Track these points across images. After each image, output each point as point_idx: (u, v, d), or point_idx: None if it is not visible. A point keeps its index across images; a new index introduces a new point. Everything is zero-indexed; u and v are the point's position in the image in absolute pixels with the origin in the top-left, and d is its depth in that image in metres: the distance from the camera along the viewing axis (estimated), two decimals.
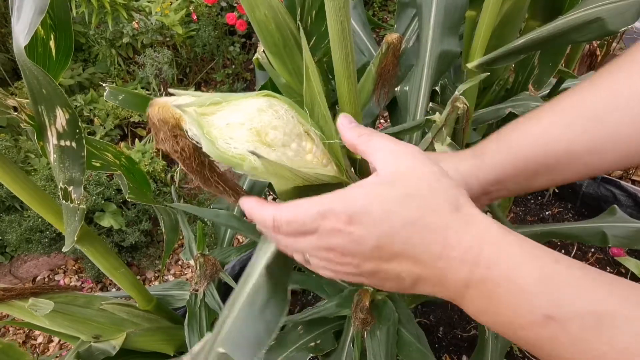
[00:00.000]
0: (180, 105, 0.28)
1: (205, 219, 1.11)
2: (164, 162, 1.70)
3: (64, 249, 0.47)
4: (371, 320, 0.48)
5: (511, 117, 0.73)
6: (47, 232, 1.37)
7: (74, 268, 1.65)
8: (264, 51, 0.62)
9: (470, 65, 0.55)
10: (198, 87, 2.11)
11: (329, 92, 0.71)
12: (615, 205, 0.64)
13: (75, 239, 0.46)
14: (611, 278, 0.22)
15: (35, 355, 1.28)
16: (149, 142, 1.77)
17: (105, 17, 1.68)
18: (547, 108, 0.33)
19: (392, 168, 0.27)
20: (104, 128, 1.69)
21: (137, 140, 1.76)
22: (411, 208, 0.25)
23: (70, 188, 0.44)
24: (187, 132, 0.28)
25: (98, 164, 0.53)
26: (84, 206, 0.45)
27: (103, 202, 1.39)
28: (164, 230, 0.75)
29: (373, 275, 0.27)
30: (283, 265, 0.34)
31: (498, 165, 0.34)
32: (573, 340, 0.21)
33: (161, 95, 1.84)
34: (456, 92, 0.41)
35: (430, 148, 0.43)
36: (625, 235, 0.59)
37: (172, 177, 1.54)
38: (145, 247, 1.57)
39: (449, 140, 0.42)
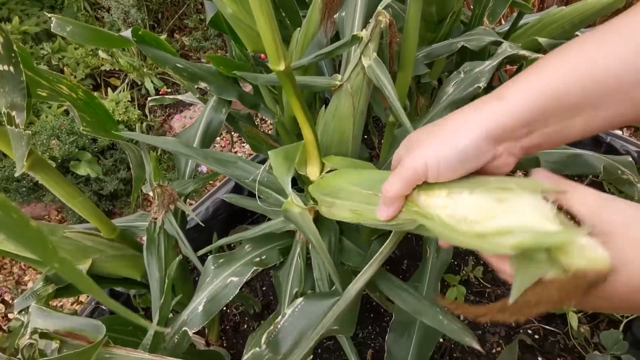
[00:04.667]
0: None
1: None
2: (139, 111, 1.69)
3: (16, 174, 0.49)
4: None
5: (463, 50, 0.74)
6: (24, 182, 1.38)
7: (57, 218, 1.68)
8: None
9: None
10: (171, 35, 2.04)
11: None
12: None
13: (25, 163, 0.48)
14: None
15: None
16: (122, 91, 1.75)
17: None
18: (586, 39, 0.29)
19: None
20: (75, 77, 1.66)
21: (110, 90, 1.73)
22: None
23: (14, 113, 0.46)
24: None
25: (44, 94, 0.54)
26: (30, 132, 0.46)
27: (77, 151, 1.40)
28: (131, 166, 0.78)
29: None
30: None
31: (527, 100, 0.30)
32: None
33: None
34: (379, 7, 0.43)
35: (358, 64, 0.45)
36: (558, 160, 0.63)
37: (144, 124, 1.54)
38: (125, 196, 1.60)
39: (374, 55, 0.44)
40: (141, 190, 0.76)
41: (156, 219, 0.64)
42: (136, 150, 0.77)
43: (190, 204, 1.35)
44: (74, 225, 0.70)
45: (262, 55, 0.81)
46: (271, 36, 0.36)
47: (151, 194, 0.66)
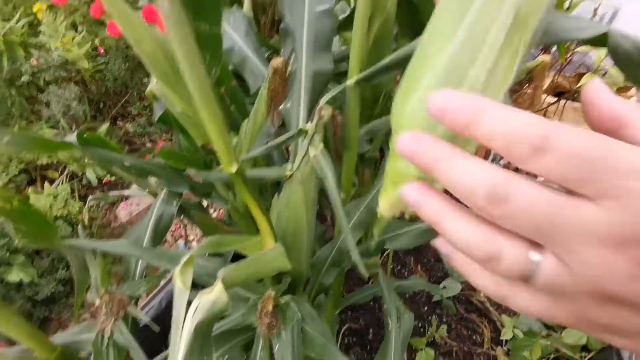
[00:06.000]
0: None
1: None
2: (80, 203, 1.60)
3: None
4: (276, 323, 0.50)
5: None
6: None
7: None
8: (156, 82, 0.64)
9: (348, 82, 0.61)
10: (114, 122, 2.03)
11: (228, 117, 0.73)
12: None
13: None
14: None
15: None
16: (61, 183, 1.67)
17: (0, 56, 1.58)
18: None
19: None
20: (7, 175, 1.56)
21: (47, 183, 1.64)
22: None
23: None
24: None
25: None
26: None
27: (8, 255, 1.27)
28: (74, 271, 0.72)
29: None
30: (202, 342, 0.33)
31: None
32: None
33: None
34: (320, 103, 0.46)
35: (306, 153, 0.47)
36: None
37: (82, 218, 1.46)
38: (65, 297, 1.45)
39: (321, 145, 0.46)
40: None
41: (104, 329, 0.58)
42: (78, 252, 0.72)
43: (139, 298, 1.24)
44: (3, 350, 0.62)
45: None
46: (222, 142, 0.37)
47: (97, 302, 0.61)
